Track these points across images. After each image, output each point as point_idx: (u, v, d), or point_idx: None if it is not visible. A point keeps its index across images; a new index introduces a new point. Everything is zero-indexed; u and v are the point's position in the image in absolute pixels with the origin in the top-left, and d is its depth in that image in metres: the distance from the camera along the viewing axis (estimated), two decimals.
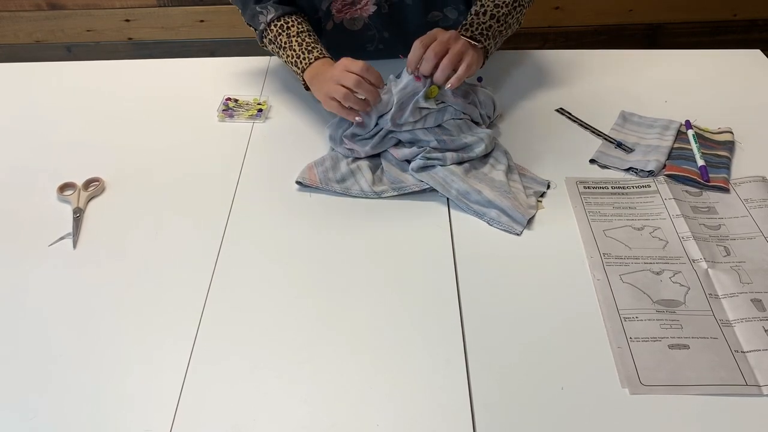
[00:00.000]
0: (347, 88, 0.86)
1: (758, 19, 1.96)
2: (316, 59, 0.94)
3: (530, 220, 0.83)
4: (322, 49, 0.97)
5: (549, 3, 1.91)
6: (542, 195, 0.88)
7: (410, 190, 0.87)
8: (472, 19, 0.96)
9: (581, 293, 0.74)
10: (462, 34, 0.93)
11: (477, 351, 0.68)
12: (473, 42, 0.92)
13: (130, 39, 1.99)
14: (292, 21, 0.98)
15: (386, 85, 0.91)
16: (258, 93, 1.11)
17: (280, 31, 0.98)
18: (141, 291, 0.76)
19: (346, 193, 0.88)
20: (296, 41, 0.96)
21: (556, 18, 1.94)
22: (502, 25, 0.96)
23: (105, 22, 1.94)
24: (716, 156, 0.92)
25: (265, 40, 1.02)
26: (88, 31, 1.97)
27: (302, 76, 0.96)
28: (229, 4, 1.05)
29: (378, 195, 0.88)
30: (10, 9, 1.91)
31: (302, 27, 0.98)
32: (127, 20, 1.94)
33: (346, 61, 0.88)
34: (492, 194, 0.84)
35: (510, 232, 0.82)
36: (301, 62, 0.96)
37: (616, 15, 1.94)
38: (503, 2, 0.96)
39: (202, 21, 1.95)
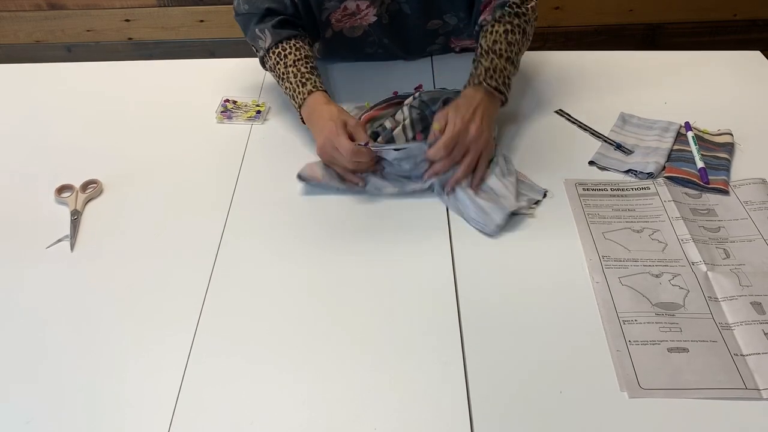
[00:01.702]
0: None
1: (758, 19, 1.96)
2: (309, 93, 0.93)
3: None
4: (316, 79, 0.95)
5: (549, 3, 1.90)
6: (536, 203, 0.87)
7: (410, 189, 0.87)
8: (494, 62, 0.90)
9: (580, 296, 0.74)
10: (488, 83, 0.89)
11: (475, 354, 0.68)
12: (496, 94, 0.90)
13: (130, 39, 1.99)
14: (289, 47, 0.97)
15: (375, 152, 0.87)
16: (256, 95, 1.11)
17: (277, 59, 0.97)
18: (139, 293, 0.76)
19: (346, 191, 0.88)
20: (292, 72, 0.95)
21: (556, 18, 1.94)
22: (515, 67, 0.94)
23: (105, 22, 1.94)
24: (716, 158, 0.92)
25: (266, 66, 1.02)
26: (88, 31, 1.97)
27: (299, 112, 0.96)
28: (229, 3, 1.05)
29: (378, 191, 0.88)
30: (10, 9, 1.91)
31: (299, 54, 0.97)
32: (127, 20, 1.94)
33: (330, 134, 0.86)
34: (474, 194, 0.84)
35: (483, 232, 0.81)
36: (297, 96, 0.95)
37: (616, 15, 1.93)
38: (515, 39, 0.92)
39: (202, 21, 1.95)
